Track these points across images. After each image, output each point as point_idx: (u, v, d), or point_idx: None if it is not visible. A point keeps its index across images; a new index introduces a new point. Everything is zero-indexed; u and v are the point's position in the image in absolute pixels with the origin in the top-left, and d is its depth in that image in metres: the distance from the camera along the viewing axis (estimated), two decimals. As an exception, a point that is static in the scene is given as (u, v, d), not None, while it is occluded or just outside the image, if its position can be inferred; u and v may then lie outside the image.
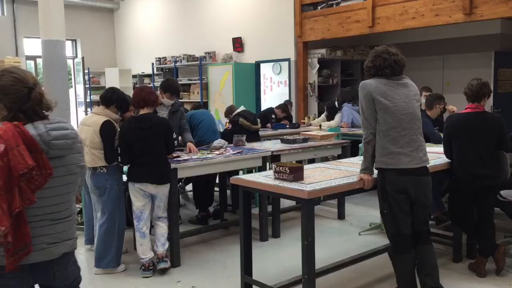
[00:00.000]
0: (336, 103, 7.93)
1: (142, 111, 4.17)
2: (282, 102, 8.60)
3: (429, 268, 3.31)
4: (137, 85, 12.15)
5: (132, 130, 4.08)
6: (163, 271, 4.19)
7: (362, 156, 3.40)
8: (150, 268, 4.16)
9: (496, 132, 3.97)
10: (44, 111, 2.00)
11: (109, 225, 4.18)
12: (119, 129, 4.20)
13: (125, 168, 4.23)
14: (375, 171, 3.32)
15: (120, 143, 4.11)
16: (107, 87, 13.36)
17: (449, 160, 4.11)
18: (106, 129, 4.08)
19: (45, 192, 1.93)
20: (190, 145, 4.90)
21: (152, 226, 4.40)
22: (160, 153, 4.12)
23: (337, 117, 7.85)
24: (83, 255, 4.74)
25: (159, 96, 4.75)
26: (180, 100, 10.17)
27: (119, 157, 4.17)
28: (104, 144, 4.07)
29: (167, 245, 4.24)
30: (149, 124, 4.07)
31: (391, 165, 3.18)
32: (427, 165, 3.31)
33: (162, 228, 4.23)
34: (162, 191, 4.15)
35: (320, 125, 7.85)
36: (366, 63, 3.34)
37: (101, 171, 4.12)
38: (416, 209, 3.28)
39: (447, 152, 4.13)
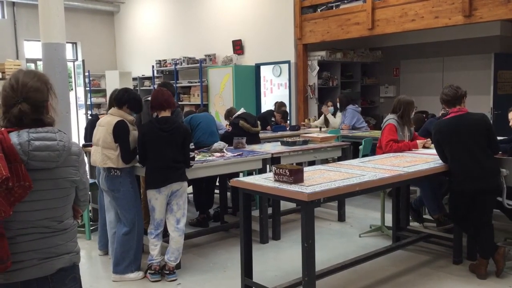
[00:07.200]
0: (338, 104, 7.92)
1: (162, 114, 4.14)
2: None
3: None
4: (137, 88, 12.18)
5: (152, 130, 4.05)
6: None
7: (362, 158, 3.39)
8: (158, 271, 4.13)
9: (483, 131, 3.98)
10: (36, 119, 1.89)
11: (127, 229, 4.12)
12: (135, 131, 4.13)
13: (141, 172, 4.19)
14: None
15: (138, 143, 4.07)
16: (107, 89, 13.30)
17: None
18: (118, 129, 4.01)
19: (28, 205, 1.83)
20: None
21: (166, 232, 4.28)
22: (178, 156, 4.07)
23: (338, 117, 7.85)
24: (84, 258, 4.74)
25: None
26: (180, 103, 10.22)
27: (138, 156, 4.09)
28: (119, 144, 4.01)
29: (179, 259, 4.19)
30: (171, 127, 4.05)
31: None
32: None
33: (178, 242, 4.14)
34: (183, 188, 4.13)
35: (320, 128, 7.85)
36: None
37: (115, 173, 4.05)
38: None
39: (441, 157, 4.16)
